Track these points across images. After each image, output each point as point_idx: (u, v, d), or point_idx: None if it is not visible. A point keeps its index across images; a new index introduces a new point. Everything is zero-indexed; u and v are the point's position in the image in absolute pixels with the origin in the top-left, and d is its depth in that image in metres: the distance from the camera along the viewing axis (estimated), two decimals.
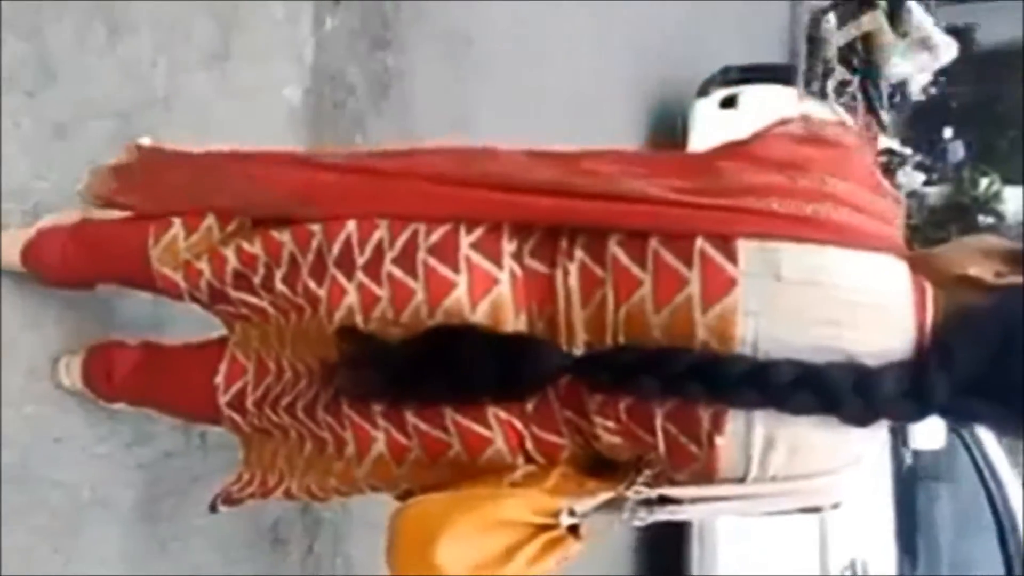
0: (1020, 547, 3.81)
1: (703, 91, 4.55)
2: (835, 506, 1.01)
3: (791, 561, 3.55)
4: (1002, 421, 0.94)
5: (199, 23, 1.81)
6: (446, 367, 0.99)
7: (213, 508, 1.32)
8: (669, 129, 4.60)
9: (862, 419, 0.91)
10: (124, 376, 1.48)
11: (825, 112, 4.42)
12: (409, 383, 1.02)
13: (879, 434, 0.96)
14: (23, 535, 1.51)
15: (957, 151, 10.25)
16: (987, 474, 3.84)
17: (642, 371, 0.92)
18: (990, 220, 9.78)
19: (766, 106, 4.27)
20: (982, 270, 0.94)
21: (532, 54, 3.16)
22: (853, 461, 0.97)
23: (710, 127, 4.30)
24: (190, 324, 1.49)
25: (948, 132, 10.58)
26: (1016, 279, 0.92)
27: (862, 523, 3.56)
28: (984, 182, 11.05)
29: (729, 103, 4.39)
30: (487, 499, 0.97)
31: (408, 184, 1.08)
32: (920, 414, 0.91)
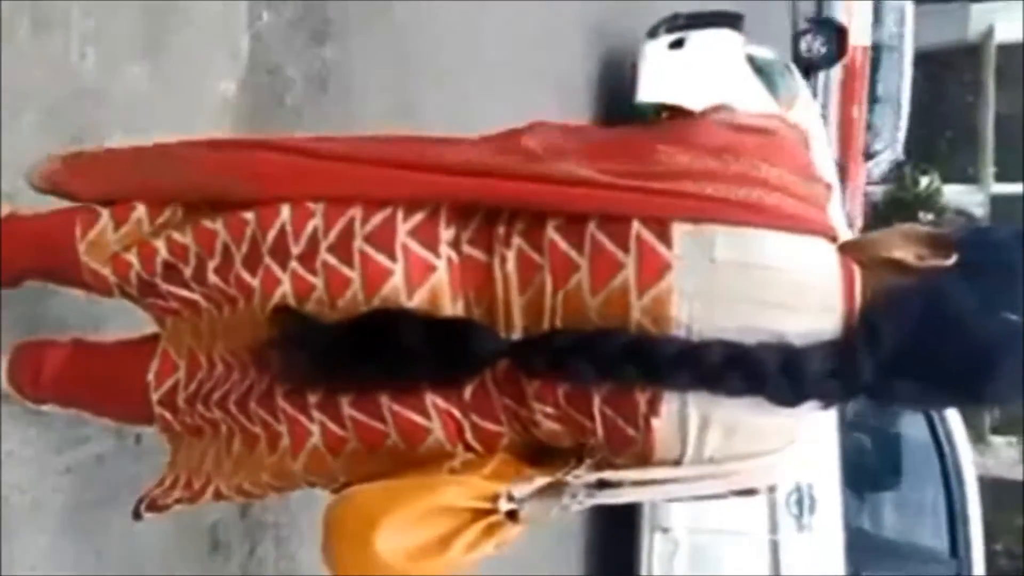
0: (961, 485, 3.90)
1: (652, 33, 4.73)
2: (771, 488, 1.02)
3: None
4: (923, 400, 0.96)
5: (130, 15, 1.77)
6: (382, 350, 0.98)
7: (137, 515, 1.28)
8: (618, 71, 4.71)
9: (789, 400, 0.92)
10: (52, 375, 1.43)
11: (770, 54, 4.49)
12: (344, 366, 1.00)
13: (813, 415, 0.98)
14: None
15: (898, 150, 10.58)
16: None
17: (576, 355, 0.93)
18: (930, 217, 10.14)
19: (713, 49, 4.47)
20: (906, 253, 0.97)
21: (475, 30, 3.15)
22: (788, 442, 0.99)
23: (658, 67, 4.46)
24: (125, 322, 1.45)
25: None
26: (937, 262, 0.95)
27: (808, 449, 3.64)
28: (924, 180, 11.40)
29: (677, 45, 4.54)
30: (425, 487, 0.97)
31: (345, 166, 1.07)
32: (846, 395, 0.93)
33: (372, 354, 0.98)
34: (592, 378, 0.94)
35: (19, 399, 1.49)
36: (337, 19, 2.42)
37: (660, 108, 4.22)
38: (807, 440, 1.00)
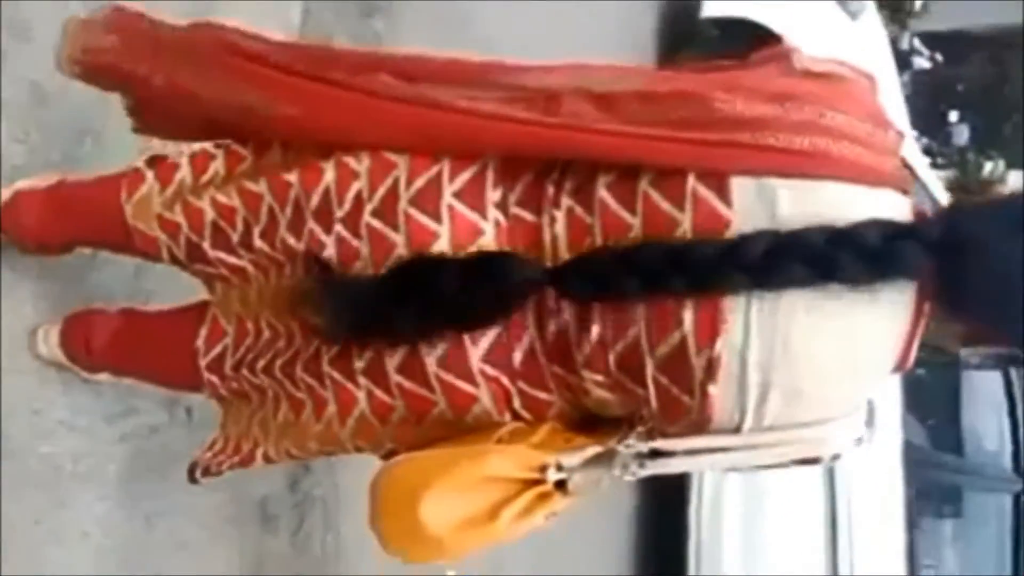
0: None
1: None
2: (835, 457, 0.97)
3: None
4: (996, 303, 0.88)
5: None
6: (420, 295, 0.95)
7: (192, 479, 1.28)
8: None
9: (864, 273, 0.85)
10: (103, 344, 1.44)
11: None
12: (382, 315, 0.97)
13: (879, 377, 0.93)
14: (3, 506, 1.47)
15: (962, 134, 10.24)
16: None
17: (619, 271, 0.89)
18: None
19: None
20: None
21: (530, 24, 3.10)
22: (853, 408, 0.93)
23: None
24: (173, 294, 1.46)
25: (953, 116, 10.57)
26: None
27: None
28: (989, 166, 11.05)
29: None
30: (471, 456, 0.94)
31: (398, 109, 1.03)
32: (913, 265, 0.86)
33: (410, 300, 0.95)
34: (638, 294, 0.89)
35: (73, 368, 1.50)
36: None
37: (724, 24, 4.05)
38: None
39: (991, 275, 0.86)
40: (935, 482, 3.71)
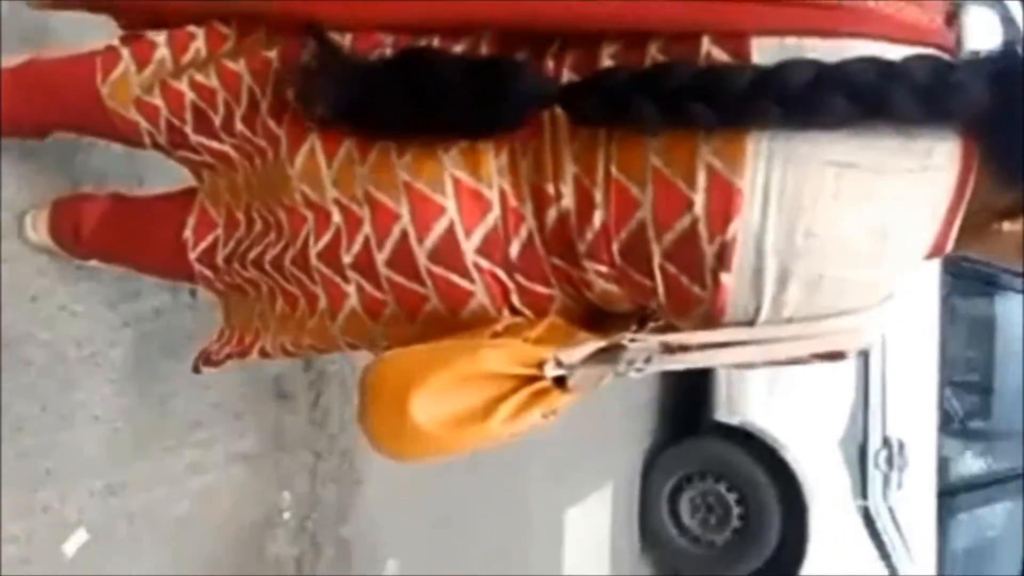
0: None
1: None
2: (862, 352, 0.89)
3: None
4: None
5: None
6: (419, 87, 0.86)
7: (196, 369, 1.25)
8: None
9: (915, 111, 0.75)
10: (91, 231, 1.38)
11: None
12: (375, 103, 0.89)
13: (909, 264, 0.84)
14: (9, 394, 1.46)
15: None
16: None
17: (636, 93, 0.79)
18: None
19: None
20: None
21: None
22: (881, 297, 0.85)
23: None
24: (168, 176, 1.38)
25: None
26: None
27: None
28: None
29: None
30: (465, 350, 0.88)
31: None
32: (977, 87, 0.76)
33: (408, 91, 0.86)
34: (655, 122, 0.79)
35: (62, 254, 1.46)
36: None
37: None
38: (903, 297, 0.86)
39: None
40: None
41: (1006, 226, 0.83)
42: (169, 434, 1.79)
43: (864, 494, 3.54)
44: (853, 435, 3.56)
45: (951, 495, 3.67)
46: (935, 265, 3.26)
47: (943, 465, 3.63)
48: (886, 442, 3.54)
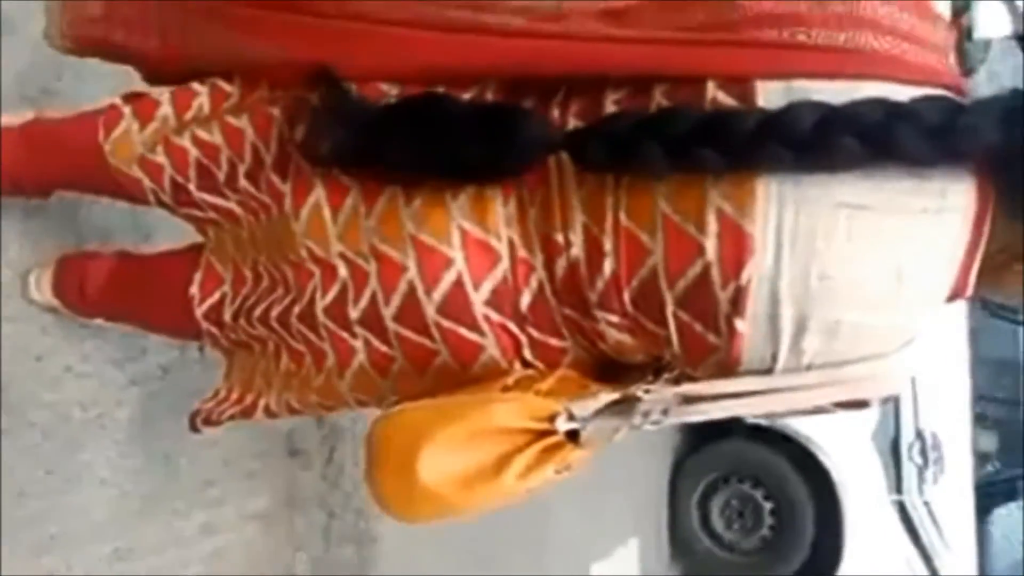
0: None
1: None
2: (885, 400, 0.86)
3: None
4: None
5: None
6: (425, 130, 0.85)
7: (193, 428, 1.22)
8: None
9: (925, 151, 0.73)
10: (98, 290, 1.37)
11: None
12: (383, 145, 0.87)
13: (931, 308, 0.81)
14: (12, 457, 1.43)
15: None
16: None
17: (643, 137, 0.77)
18: None
19: None
20: None
21: None
22: (903, 343, 0.82)
23: None
24: (175, 229, 1.37)
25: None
26: None
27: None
28: None
29: None
30: (474, 405, 0.85)
31: (397, 34, 0.92)
32: (987, 128, 0.74)
33: (415, 133, 0.85)
34: (663, 167, 0.77)
35: (67, 313, 1.44)
36: None
37: None
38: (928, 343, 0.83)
39: None
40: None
41: None
42: (178, 495, 1.76)
43: (899, 488, 3.46)
44: (885, 429, 3.46)
45: (990, 487, 3.56)
46: None
47: (981, 459, 3.53)
48: (919, 434, 3.44)
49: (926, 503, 3.44)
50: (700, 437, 3.97)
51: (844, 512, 3.50)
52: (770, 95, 0.77)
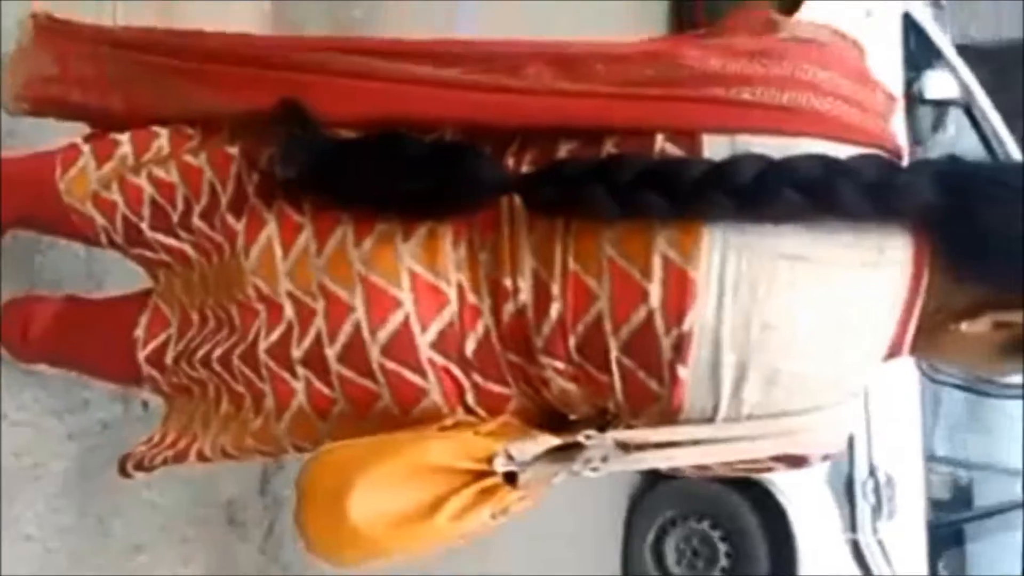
0: None
1: None
2: (826, 457, 0.86)
3: None
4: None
5: None
6: (381, 163, 0.87)
7: (123, 473, 1.18)
8: None
9: (864, 206, 0.76)
10: (41, 330, 1.34)
11: None
12: (341, 176, 0.89)
13: (872, 362, 0.83)
14: None
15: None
16: None
17: (591, 182, 0.79)
18: None
19: None
20: None
21: (520, 7, 2.98)
22: (844, 397, 0.83)
23: None
24: (127, 277, 1.36)
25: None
26: None
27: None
28: None
29: None
30: (410, 442, 0.84)
31: (354, 85, 0.95)
32: (922, 204, 0.77)
33: (375, 164, 0.87)
34: (610, 210, 0.79)
35: (8, 357, 1.41)
36: None
37: None
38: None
39: (999, 213, 0.77)
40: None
41: (964, 327, 0.82)
42: (107, 557, 1.68)
43: (853, 527, 3.44)
44: (839, 466, 3.46)
45: (943, 527, 3.54)
46: None
47: (934, 497, 3.52)
48: (872, 471, 3.43)
49: (879, 541, 3.44)
50: (655, 475, 3.95)
51: (798, 550, 3.51)
52: (715, 148, 0.80)
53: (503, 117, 0.89)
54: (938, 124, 4.12)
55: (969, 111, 4.05)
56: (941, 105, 4.03)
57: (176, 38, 1.11)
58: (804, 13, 3.95)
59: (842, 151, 0.79)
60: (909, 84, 3.93)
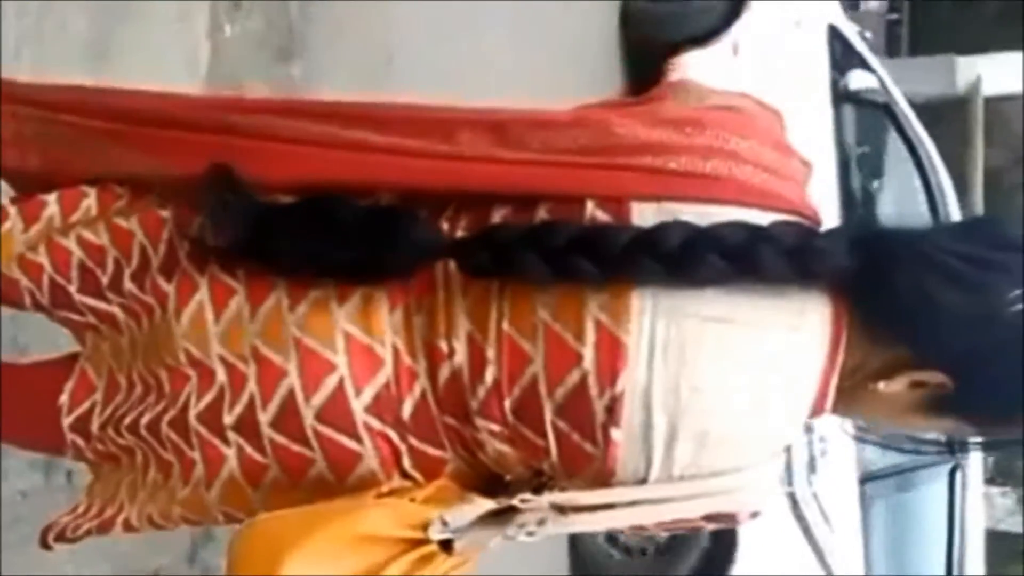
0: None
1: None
2: (754, 515, 0.88)
3: None
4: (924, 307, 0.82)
5: (73, 15, 1.66)
6: (313, 227, 0.87)
7: (44, 544, 1.13)
8: None
9: (784, 270, 0.79)
10: None
11: None
12: (271, 240, 0.89)
13: (802, 418, 0.86)
14: None
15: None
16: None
17: (524, 248, 0.82)
18: None
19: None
20: None
21: (458, 68, 3.04)
22: (770, 455, 0.85)
23: None
24: (53, 343, 1.32)
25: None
26: None
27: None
28: None
29: None
30: (345, 511, 0.82)
31: (286, 150, 0.95)
32: (834, 268, 0.81)
33: (304, 231, 0.87)
34: (543, 275, 0.81)
35: None
36: (304, 33, 2.32)
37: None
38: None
39: (910, 278, 0.81)
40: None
41: (881, 386, 0.85)
42: None
43: (789, 480, 3.50)
44: None
45: (875, 478, 3.68)
46: None
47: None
48: (808, 427, 3.51)
49: (814, 494, 3.55)
50: None
51: None
52: (644, 214, 0.83)
53: (438, 183, 0.90)
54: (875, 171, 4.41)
55: (890, 110, 4.36)
56: (864, 102, 4.32)
57: (103, 97, 1.10)
58: (743, 23, 4.24)
59: (763, 218, 0.83)
60: (835, 83, 4.24)
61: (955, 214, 4.48)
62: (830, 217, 0.93)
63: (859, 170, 4.40)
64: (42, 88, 1.17)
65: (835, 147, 4.19)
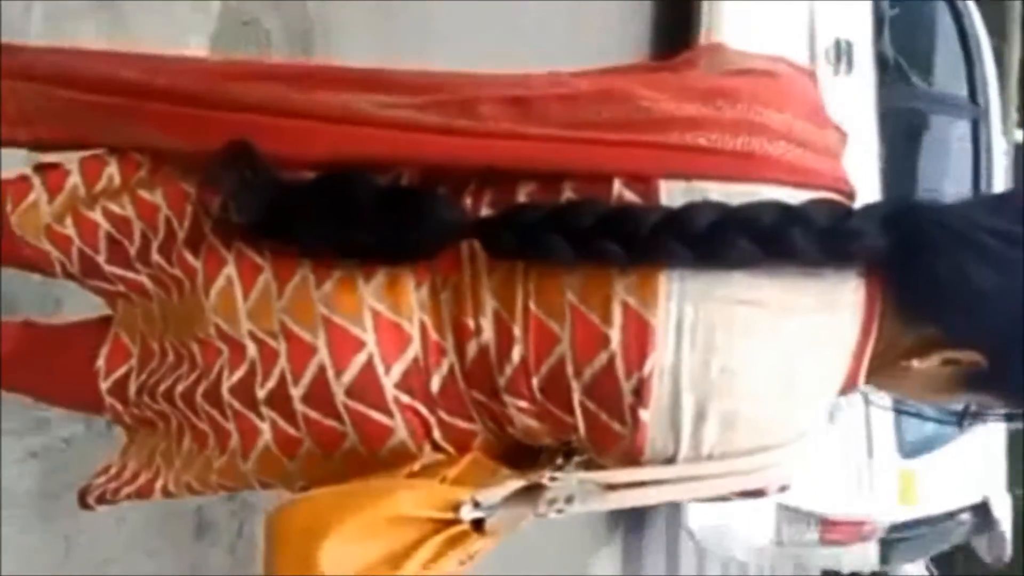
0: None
1: None
2: (783, 489, 0.89)
3: None
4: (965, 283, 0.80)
5: None
6: (336, 207, 0.86)
7: (84, 505, 1.17)
8: None
9: (816, 252, 0.78)
10: None
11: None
12: (293, 218, 0.88)
13: (822, 400, 0.85)
14: None
15: None
16: None
17: (549, 229, 0.81)
18: None
19: None
20: None
21: (491, 37, 2.93)
22: (797, 435, 0.85)
23: None
24: (86, 299, 1.34)
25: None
26: None
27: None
28: None
29: None
30: (379, 493, 0.84)
31: (307, 127, 0.93)
32: (873, 232, 0.79)
33: (329, 209, 0.86)
34: (569, 257, 0.80)
35: None
36: None
37: None
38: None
39: (945, 258, 0.79)
40: None
41: (915, 364, 0.84)
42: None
43: None
44: None
45: None
46: None
47: None
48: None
49: None
50: None
51: None
52: (672, 194, 0.81)
53: (460, 160, 0.88)
54: None
55: None
56: None
57: (113, 68, 1.06)
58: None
59: (794, 196, 0.80)
60: None
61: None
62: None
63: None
64: (46, 57, 1.14)
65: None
